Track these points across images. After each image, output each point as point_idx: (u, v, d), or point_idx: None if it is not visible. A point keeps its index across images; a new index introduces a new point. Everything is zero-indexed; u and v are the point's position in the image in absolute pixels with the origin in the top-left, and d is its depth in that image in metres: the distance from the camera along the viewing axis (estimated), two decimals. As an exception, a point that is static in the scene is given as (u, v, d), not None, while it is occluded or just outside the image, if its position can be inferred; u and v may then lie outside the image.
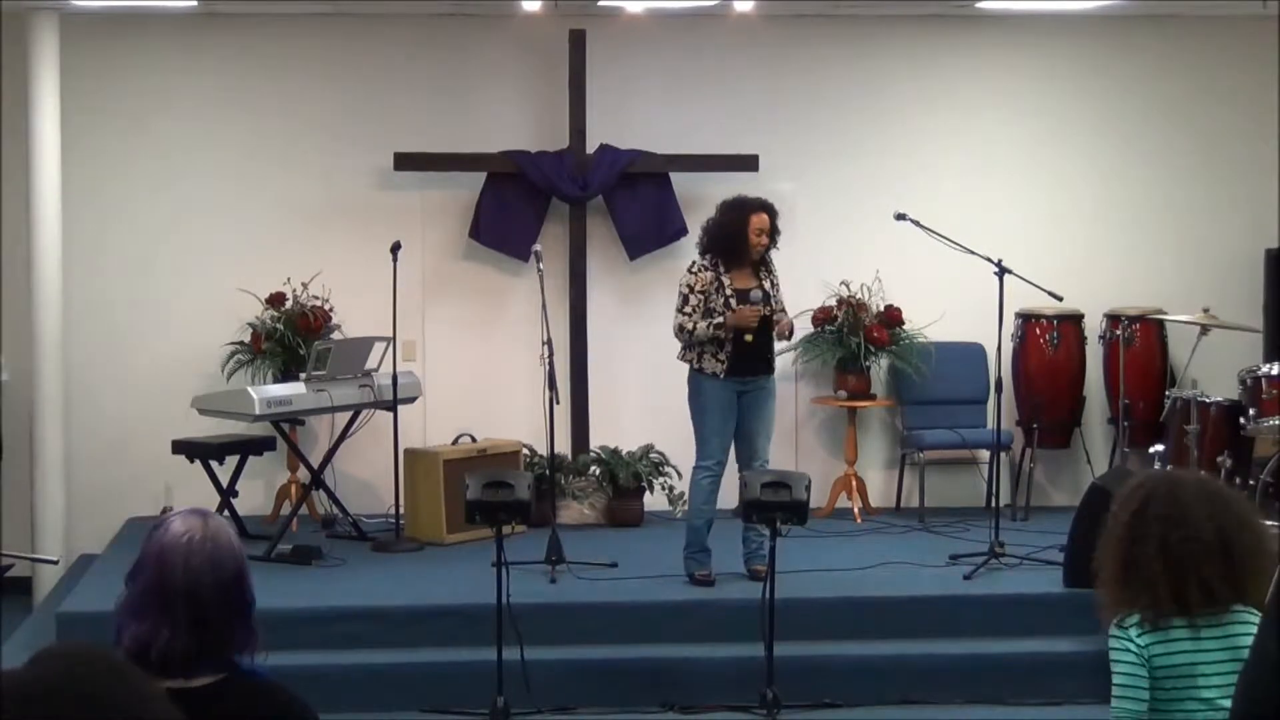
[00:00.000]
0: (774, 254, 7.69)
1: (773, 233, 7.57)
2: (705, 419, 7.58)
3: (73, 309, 9.06)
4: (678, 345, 7.66)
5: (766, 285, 7.59)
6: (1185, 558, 3.42)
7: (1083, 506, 7.58)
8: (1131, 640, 3.46)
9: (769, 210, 7.58)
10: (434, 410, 9.21)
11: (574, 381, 9.29)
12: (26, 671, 1.93)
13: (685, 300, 7.48)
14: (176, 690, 2.76)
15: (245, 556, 2.96)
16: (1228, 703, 3.37)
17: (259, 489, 9.27)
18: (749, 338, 7.46)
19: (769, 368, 7.63)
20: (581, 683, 6.91)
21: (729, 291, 7.48)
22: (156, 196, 9.27)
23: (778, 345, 7.77)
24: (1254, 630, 3.36)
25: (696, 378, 7.57)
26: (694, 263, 7.64)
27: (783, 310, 7.67)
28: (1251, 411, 7.85)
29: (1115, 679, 3.48)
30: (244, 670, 2.92)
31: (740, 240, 7.49)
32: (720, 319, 7.42)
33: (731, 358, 7.48)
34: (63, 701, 1.88)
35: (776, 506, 6.67)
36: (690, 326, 7.45)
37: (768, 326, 7.52)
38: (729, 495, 7.80)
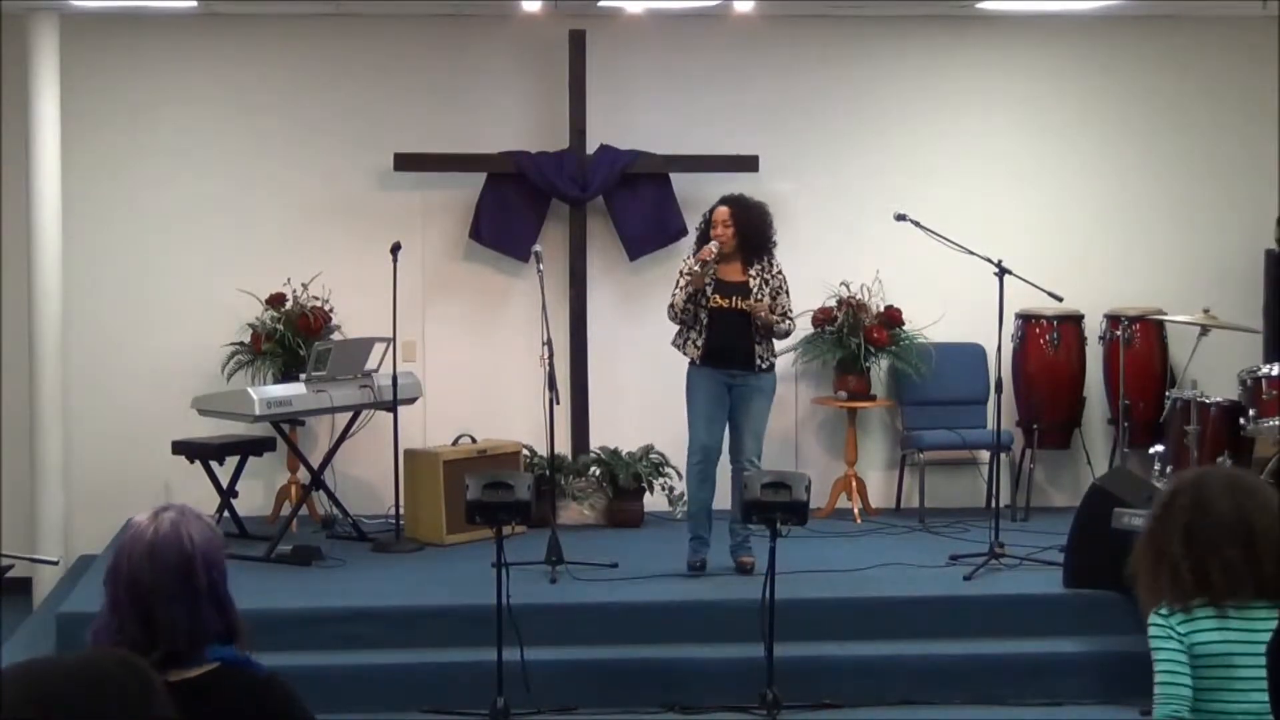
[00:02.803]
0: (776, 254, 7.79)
1: (743, 225, 7.70)
2: (690, 406, 7.80)
3: (73, 309, 9.06)
4: (677, 344, 7.83)
5: (754, 282, 7.69)
6: (1206, 541, 3.47)
7: (1083, 507, 7.58)
8: (1171, 627, 3.48)
9: (729, 203, 7.80)
10: (434, 411, 9.21)
11: (574, 382, 9.29)
12: (66, 663, 1.95)
13: (675, 283, 7.74)
14: (171, 683, 2.77)
15: (200, 547, 2.94)
16: (1262, 696, 3.40)
17: (259, 489, 9.27)
18: (716, 270, 7.62)
19: (756, 365, 7.69)
20: (581, 683, 6.91)
21: (709, 280, 7.66)
22: (156, 196, 9.27)
23: (779, 345, 7.84)
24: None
25: (688, 370, 7.79)
26: (688, 255, 7.93)
27: (774, 309, 7.70)
28: (1251, 412, 7.85)
29: (1157, 666, 3.49)
30: (236, 661, 2.93)
31: (705, 235, 7.78)
32: (691, 287, 7.63)
33: (706, 344, 7.63)
34: (99, 695, 1.91)
35: (776, 507, 6.68)
36: (673, 298, 7.70)
37: (748, 323, 7.65)
38: (723, 496, 7.84)
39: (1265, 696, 3.38)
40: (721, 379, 7.69)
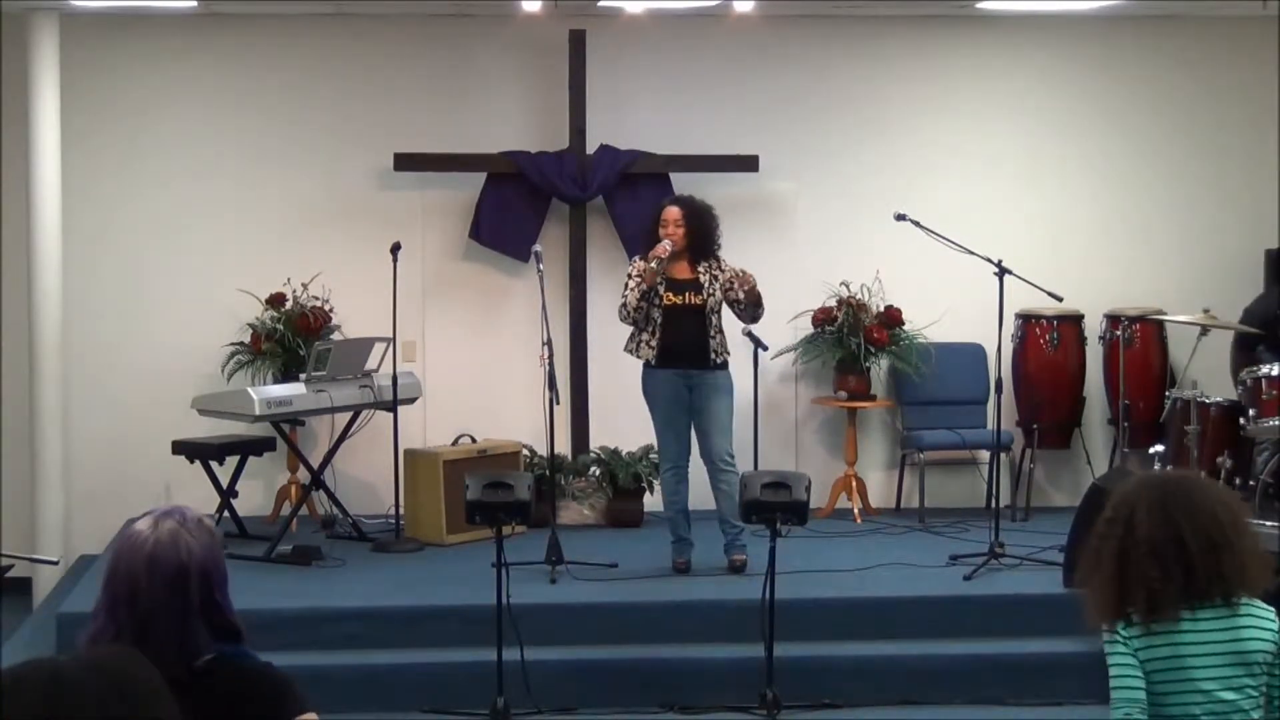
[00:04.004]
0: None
1: (694, 225, 7.78)
2: (654, 416, 7.89)
3: (72, 309, 9.06)
4: (629, 349, 7.91)
5: (704, 279, 7.77)
6: (1134, 563, 3.49)
7: (1082, 507, 7.57)
8: (1119, 635, 3.52)
9: (680, 204, 7.89)
10: (434, 410, 9.21)
11: (574, 382, 9.29)
12: (72, 661, 1.97)
13: (625, 285, 7.79)
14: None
15: (197, 558, 2.94)
16: (1228, 694, 3.46)
17: (259, 489, 9.27)
18: (663, 259, 7.65)
19: (711, 360, 7.74)
20: (581, 683, 6.91)
21: (660, 278, 7.73)
22: (156, 196, 9.27)
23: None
24: (1246, 624, 3.47)
25: (643, 373, 7.85)
26: (633, 258, 8.01)
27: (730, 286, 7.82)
28: (1251, 412, 7.85)
29: (1110, 672, 3.54)
30: (231, 653, 2.94)
31: (653, 233, 7.81)
32: (644, 285, 7.68)
33: (661, 343, 7.71)
34: (100, 692, 1.92)
35: (776, 507, 6.68)
36: (624, 299, 7.74)
37: (702, 320, 7.72)
38: (711, 497, 7.85)
39: (1231, 695, 3.45)
40: (678, 382, 7.75)
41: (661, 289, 7.71)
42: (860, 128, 9.63)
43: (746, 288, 7.70)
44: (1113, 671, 3.51)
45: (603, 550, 8.10)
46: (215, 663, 2.92)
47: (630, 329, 7.86)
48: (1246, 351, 8.55)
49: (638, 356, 7.82)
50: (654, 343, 7.73)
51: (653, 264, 7.65)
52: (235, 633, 2.98)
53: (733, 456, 7.76)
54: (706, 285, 7.76)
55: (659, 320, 7.72)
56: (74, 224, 9.04)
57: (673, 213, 7.79)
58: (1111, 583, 3.51)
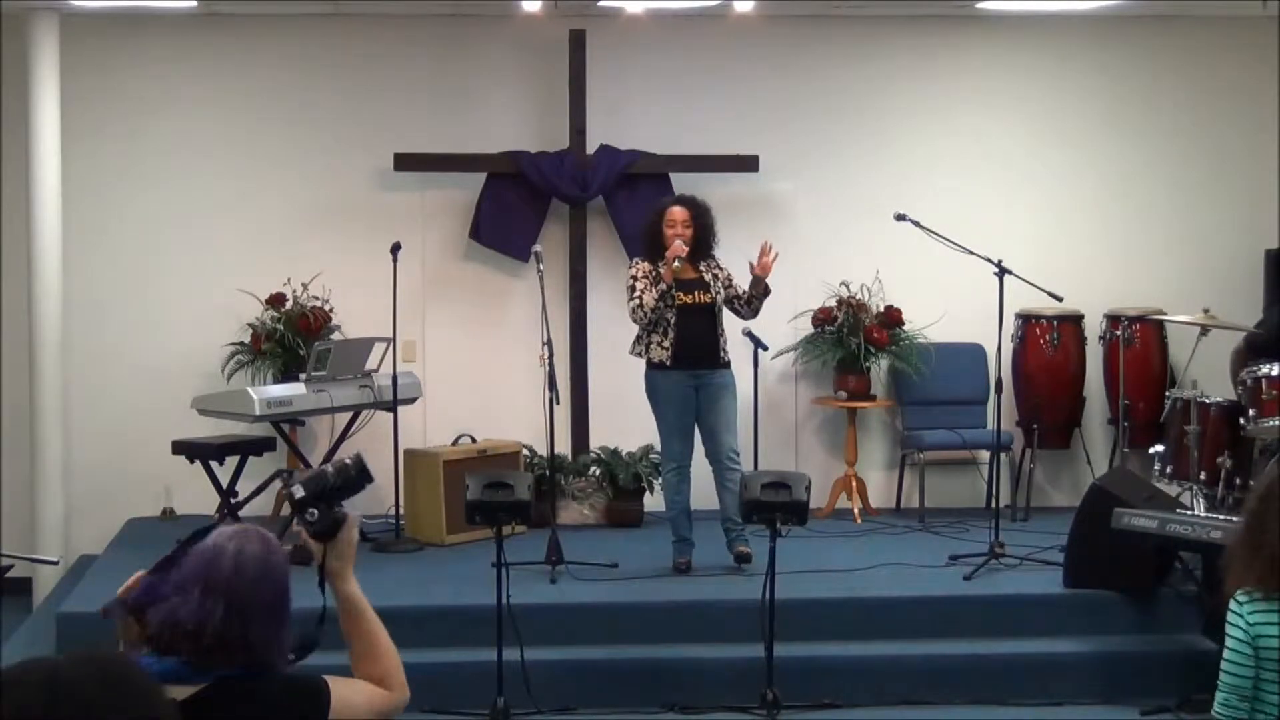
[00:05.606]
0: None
1: (700, 227, 7.82)
2: (662, 417, 7.86)
3: (72, 309, 9.06)
4: (636, 351, 7.92)
5: (707, 277, 7.82)
6: None
7: (1083, 507, 7.58)
8: (1242, 615, 3.53)
9: (686, 204, 7.91)
10: (434, 411, 9.21)
11: (574, 382, 9.30)
12: (54, 663, 1.97)
13: (632, 289, 7.77)
14: (184, 699, 2.79)
15: (289, 579, 3.08)
16: None
17: (259, 489, 9.27)
18: (679, 263, 7.63)
19: (721, 361, 7.79)
20: (581, 683, 6.91)
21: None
22: (156, 197, 9.27)
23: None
24: None
25: (650, 375, 7.83)
26: (632, 261, 8.00)
27: (735, 287, 7.90)
28: (1251, 412, 7.84)
29: (1224, 654, 3.57)
30: (231, 674, 2.95)
31: (657, 234, 7.81)
32: (662, 286, 7.69)
33: (676, 344, 7.72)
34: (87, 696, 1.92)
35: (776, 507, 6.68)
36: (639, 300, 7.70)
37: (712, 318, 7.76)
38: (712, 497, 7.85)
39: None
40: (687, 384, 7.75)
41: (672, 289, 7.72)
42: (860, 128, 9.64)
43: (762, 283, 7.76)
44: (1225, 654, 3.54)
45: (603, 550, 8.10)
46: (216, 689, 2.90)
47: (630, 332, 7.85)
48: (1251, 356, 8.55)
49: (647, 358, 7.81)
50: (667, 343, 7.73)
51: (674, 264, 7.65)
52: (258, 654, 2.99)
53: (739, 454, 7.77)
54: (712, 284, 7.79)
55: (672, 320, 7.72)
56: (74, 224, 9.04)
57: (681, 213, 7.80)
58: (1273, 543, 3.51)
